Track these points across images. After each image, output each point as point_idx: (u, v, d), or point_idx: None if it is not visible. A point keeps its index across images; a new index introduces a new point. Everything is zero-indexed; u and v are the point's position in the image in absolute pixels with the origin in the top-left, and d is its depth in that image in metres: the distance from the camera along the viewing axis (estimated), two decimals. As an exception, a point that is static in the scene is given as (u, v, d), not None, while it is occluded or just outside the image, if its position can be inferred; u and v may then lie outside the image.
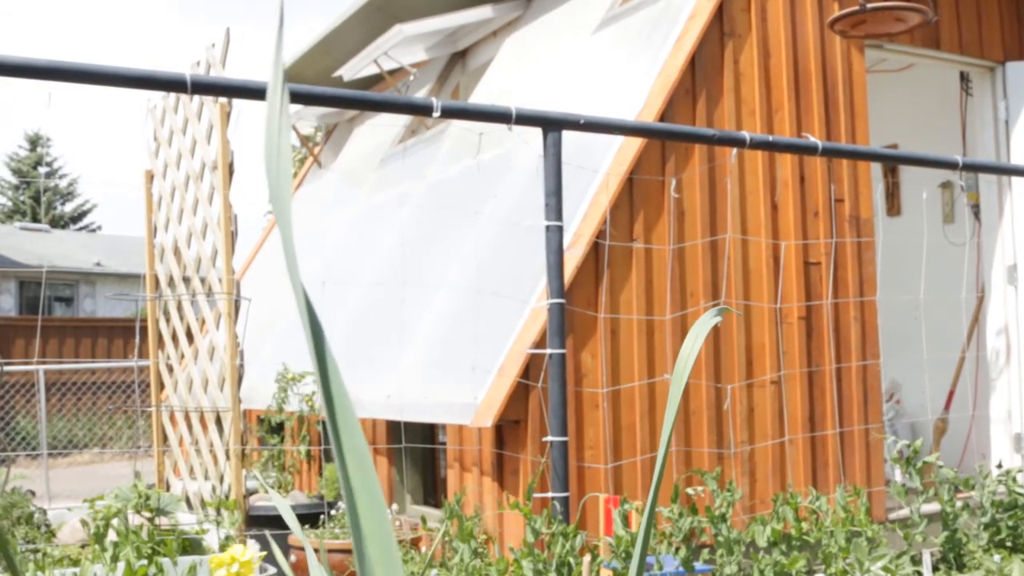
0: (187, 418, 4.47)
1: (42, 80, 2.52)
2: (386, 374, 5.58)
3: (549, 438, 2.84)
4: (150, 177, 4.35)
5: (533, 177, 5.37)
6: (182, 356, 4.51)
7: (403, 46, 7.41)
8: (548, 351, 2.83)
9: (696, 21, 5.06)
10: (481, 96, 7.14)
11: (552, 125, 2.91)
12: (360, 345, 6.22)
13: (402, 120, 8.23)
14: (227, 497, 3.83)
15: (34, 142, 36.83)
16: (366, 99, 2.78)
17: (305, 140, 11.09)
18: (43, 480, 11.23)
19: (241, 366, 3.73)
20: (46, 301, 21.59)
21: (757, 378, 4.97)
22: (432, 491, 5.80)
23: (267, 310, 8.02)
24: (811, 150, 3.45)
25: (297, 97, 2.83)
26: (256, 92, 2.67)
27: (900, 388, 6.40)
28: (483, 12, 7.38)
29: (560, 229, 2.90)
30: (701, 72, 5.00)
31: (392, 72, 7.78)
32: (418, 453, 5.73)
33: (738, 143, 3.20)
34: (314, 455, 6.25)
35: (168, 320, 4.58)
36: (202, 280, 4.02)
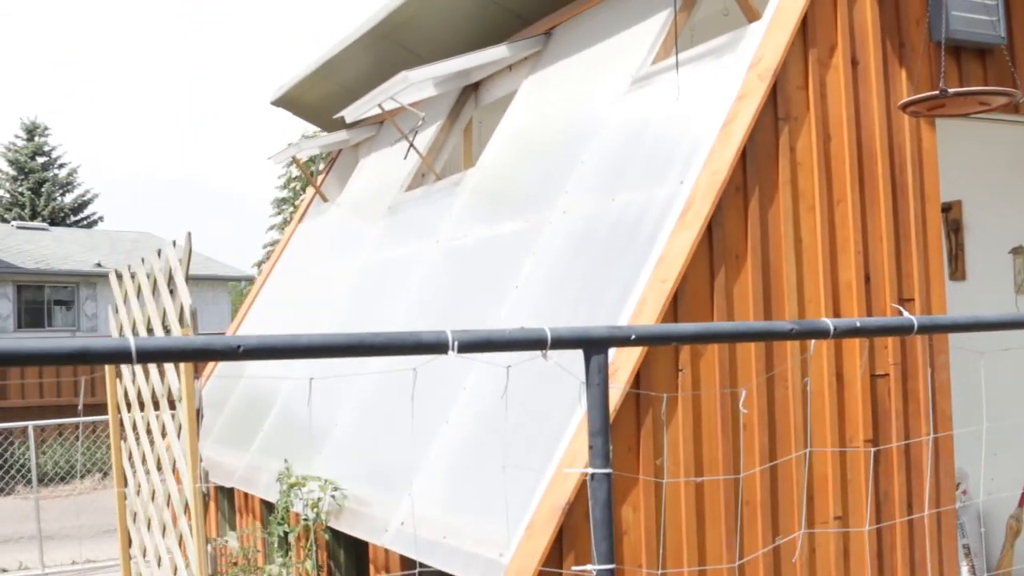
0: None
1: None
2: (400, 493, 5.00)
3: None
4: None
5: (557, 261, 4.74)
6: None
7: (410, 89, 6.74)
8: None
9: (747, 103, 4.40)
10: (502, 149, 6.46)
11: (595, 346, 2.29)
12: (369, 449, 5.63)
13: (412, 163, 7.60)
14: None
15: (31, 131, 35.57)
16: (363, 344, 2.17)
17: (305, 168, 10.42)
18: (35, 516, 10.75)
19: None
20: (46, 306, 20.90)
21: (819, 515, 4.38)
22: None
23: (266, 391, 7.39)
24: (906, 330, 2.82)
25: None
26: (219, 354, 2.09)
27: (967, 478, 5.80)
28: (498, 52, 6.71)
29: (608, 477, 2.30)
30: (753, 164, 4.36)
31: (393, 111, 7.12)
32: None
33: (821, 334, 2.58)
34: (322, 564, 5.70)
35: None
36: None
